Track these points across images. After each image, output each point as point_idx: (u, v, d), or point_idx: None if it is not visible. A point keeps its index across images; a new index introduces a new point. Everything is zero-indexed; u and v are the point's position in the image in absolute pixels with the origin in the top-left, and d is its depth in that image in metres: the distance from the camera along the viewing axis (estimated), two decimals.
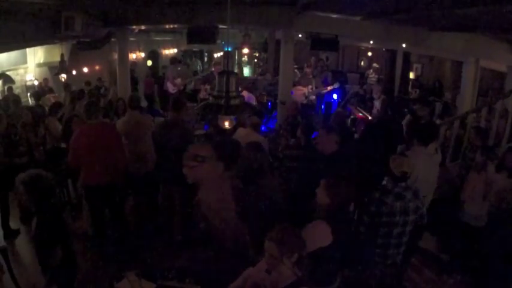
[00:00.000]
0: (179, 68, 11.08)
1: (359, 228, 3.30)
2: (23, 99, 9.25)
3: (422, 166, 3.60)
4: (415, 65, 12.50)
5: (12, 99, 7.56)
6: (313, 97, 9.00)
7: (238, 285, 2.43)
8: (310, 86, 8.95)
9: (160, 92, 11.35)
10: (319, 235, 2.54)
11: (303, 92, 8.86)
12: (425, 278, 4.27)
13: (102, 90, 10.09)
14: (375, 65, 12.21)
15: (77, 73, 9.94)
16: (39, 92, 8.73)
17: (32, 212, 2.85)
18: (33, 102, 7.92)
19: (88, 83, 9.92)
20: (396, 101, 9.59)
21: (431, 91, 10.69)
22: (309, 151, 4.31)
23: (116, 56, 8.46)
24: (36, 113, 5.97)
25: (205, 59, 17.44)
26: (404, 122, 6.03)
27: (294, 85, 8.99)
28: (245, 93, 8.48)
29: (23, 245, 4.71)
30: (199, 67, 14.97)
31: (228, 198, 2.77)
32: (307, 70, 9.56)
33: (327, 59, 13.14)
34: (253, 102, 8.76)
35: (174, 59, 11.42)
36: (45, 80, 10.17)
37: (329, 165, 3.68)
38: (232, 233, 2.78)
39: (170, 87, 10.23)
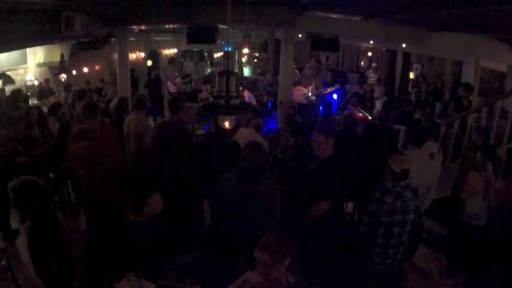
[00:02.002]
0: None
1: (359, 228, 3.31)
2: None
3: (417, 168, 3.57)
4: (415, 65, 12.50)
5: (12, 100, 7.56)
6: (314, 97, 9.00)
7: (237, 285, 2.43)
8: (311, 87, 8.95)
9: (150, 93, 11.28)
10: (154, 204, 3.48)
11: (303, 93, 8.85)
12: (425, 278, 4.27)
13: (103, 93, 9.99)
14: (373, 64, 12.21)
15: (77, 73, 9.93)
16: (39, 93, 8.69)
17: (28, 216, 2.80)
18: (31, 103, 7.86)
19: (88, 83, 9.90)
20: (397, 101, 9.60)
21: (433, 92, 10.67)
22: (308, 151, 4.31)
23: (116, 56, 8.46)
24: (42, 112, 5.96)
25: (205, 58, 17.37)
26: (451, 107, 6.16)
27: (295, 85, 9.00)
28: (246, 93, 8.49)
29: (23, 245, 4.71)
30: (191, 70, 14.44)
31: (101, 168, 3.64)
32: (308, 71, 9.56)
33: (327, 59, 13.13)
34: (254, 102, 8.76)
35: (171, 59, 11.44)
36: (47, 80, 10.15)
37: (324, 170, 3.64)
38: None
39: (171, 87, 10.25)
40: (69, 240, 3.02)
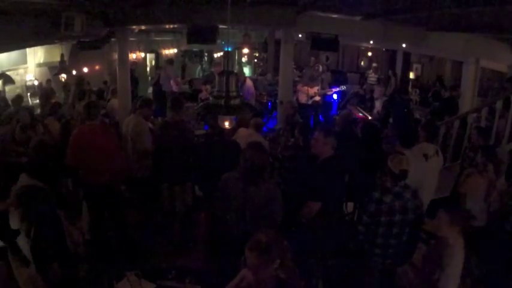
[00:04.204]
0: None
1: (358, 228, 3.31)
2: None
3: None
4: (415, 65, 12.51)
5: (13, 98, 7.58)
6: (318, 98, 9.00)
7: (235, 284, 2.45)
8: (317, 87, 8.95)
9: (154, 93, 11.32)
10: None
11: (308, 93, 8.87)
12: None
13: (105, 94, 9.96)
14: (374, 65, 12.21)
15: (77, 73, 9.93)
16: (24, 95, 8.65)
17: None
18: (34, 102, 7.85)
19: (87, 84, 9.88)
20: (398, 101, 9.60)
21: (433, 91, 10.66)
22: (308, 151, 4.31)
23: (116, 56, 8.46)
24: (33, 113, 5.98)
25: (205, 58, 17.38)
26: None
27: (299, 85, 9.05)
28: (248, 82, 8.55)
29: (22, 244, 4.69)
30: (198, 72, 14.58)
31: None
32: (315, 73, 9.61)
33: (327, 59, 13.13)
34: (253, 91, 8.81)
35: (171, 60, 11.51)
36: (48, 81, 10.15)
37: (322, 170, 3.63)
38: None
39: (174, 86, 10.33)
40: (70, 240, 3.01)
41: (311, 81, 9.01)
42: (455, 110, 7.28)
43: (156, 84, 10.56)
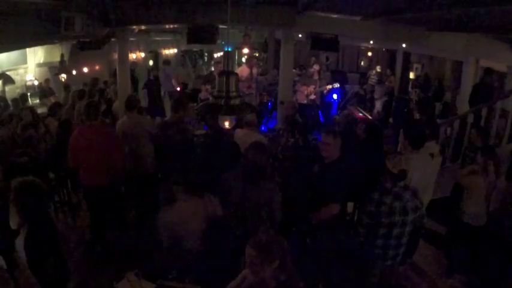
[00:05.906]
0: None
1: (359, 230, 3.31)
2: None
3: (416, 170, 3.50)
4: (415, 65, 12.49)
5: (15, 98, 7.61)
6: (314, 96, 9.03)
7: (236, 284, 2.45)
8: (313, 86, 8.98)
9: (149, 94, 11.32)
10: None
11: (306, 93, 8.89)
12: (425, 278, 4.27)
13: (105, 94, 9.92)
14: (378, 69, 12.16)
15: (77, 73, 9.93)
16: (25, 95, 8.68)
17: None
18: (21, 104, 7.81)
19: (86, 84, 9.87)
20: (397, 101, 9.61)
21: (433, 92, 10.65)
22: (308, 151, 4.30)
23: (116, 56, 8.46)
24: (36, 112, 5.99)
25: (205, 58, 17.40)
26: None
27: (298, 85, 9.09)
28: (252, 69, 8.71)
29: (22, 245, 4.69)
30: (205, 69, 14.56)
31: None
32: (312, 70, 9.65)
33: (327, 59, 13.14)
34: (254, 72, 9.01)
35: (167, 61, 11.53)
36: (47, 80, 10.15)
37: (335, 172, 3.58)
38: None
39: (175, 85, 10.37)
40: (66, 240, 3.01)
41: (308, 81, 9.06)
42: (491, 97, 6.71)
43: (149, 85, 10.50)
